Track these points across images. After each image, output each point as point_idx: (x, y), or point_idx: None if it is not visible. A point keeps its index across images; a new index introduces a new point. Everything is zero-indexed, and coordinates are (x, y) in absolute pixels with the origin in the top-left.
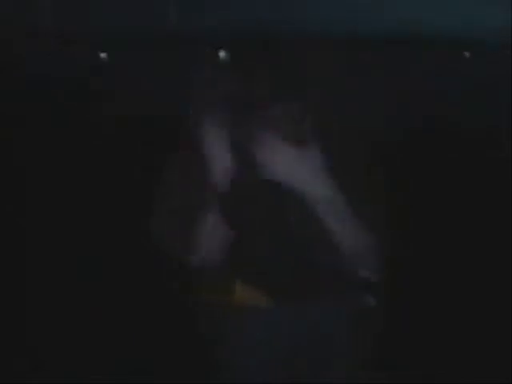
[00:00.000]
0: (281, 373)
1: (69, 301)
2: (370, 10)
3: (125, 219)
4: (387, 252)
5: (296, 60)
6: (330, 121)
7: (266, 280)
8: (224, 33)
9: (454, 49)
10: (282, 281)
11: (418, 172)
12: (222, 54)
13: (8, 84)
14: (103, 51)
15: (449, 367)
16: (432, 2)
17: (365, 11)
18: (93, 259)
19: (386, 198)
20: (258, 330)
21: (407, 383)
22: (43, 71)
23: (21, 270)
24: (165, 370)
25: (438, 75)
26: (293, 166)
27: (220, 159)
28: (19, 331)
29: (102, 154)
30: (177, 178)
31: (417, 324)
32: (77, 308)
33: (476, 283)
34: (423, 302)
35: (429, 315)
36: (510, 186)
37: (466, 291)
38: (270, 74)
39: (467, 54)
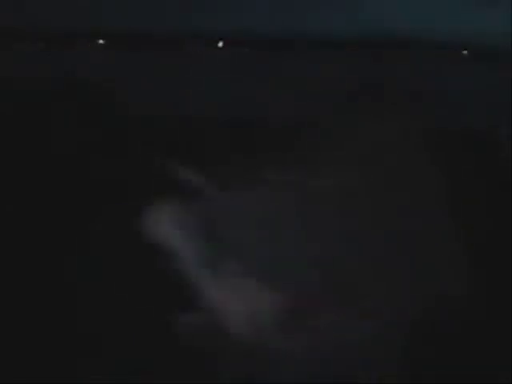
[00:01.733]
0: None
1: (68, 300)
2: (370, 10)
3: (124, 219)
4: None
5: None
6: None
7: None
8: (224, 32)
9: (453, 49)
10: None
11: (417, 171)
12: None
13: (8, 84)
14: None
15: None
16: (432, 2)
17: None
18: (92, 259)
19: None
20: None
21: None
22: (43, 71)
23: (20, 270)
24: (165, 370)
25: (437, 75)
26: None
27: None
28: (19, 331)
29: (102, 154)
30: None
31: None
32: (76, 307)
33: (475, 281)
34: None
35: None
36: (510, 185)
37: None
38: None
39: (467, 53)
